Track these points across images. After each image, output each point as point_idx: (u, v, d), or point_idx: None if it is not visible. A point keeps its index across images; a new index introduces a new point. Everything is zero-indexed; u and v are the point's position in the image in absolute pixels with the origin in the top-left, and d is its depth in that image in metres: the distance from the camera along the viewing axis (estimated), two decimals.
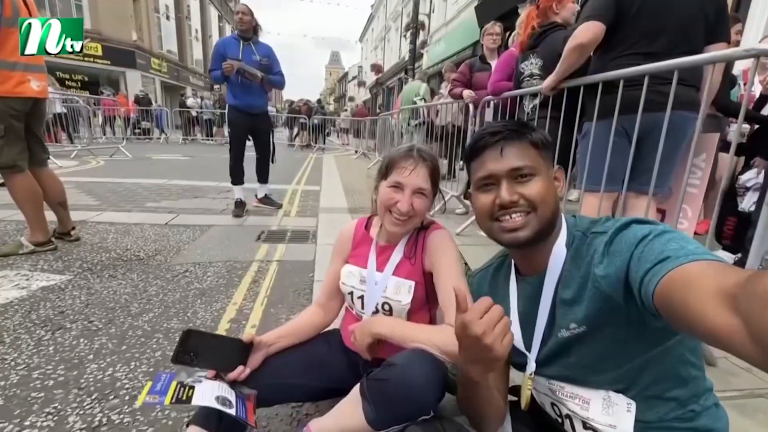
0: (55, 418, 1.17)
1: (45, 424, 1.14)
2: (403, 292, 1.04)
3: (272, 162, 4.00)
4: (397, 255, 1.07)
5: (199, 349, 0.92)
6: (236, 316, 1.86)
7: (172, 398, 0.82)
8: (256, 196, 4.08)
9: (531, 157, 0.71)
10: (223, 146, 12.08)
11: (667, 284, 0.48)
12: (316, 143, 12.62)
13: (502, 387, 0.84)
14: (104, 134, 11.65)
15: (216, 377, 0.95)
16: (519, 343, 0.77)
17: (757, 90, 2.80)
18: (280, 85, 3.75)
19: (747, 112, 2.47)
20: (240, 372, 0.97)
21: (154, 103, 14.57)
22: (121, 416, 1.19)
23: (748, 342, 0.35)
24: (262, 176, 3.99)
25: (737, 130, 1.34)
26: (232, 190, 3.85)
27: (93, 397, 1.26)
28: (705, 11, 1.63)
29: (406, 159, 1.00)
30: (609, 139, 1.75)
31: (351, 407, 0.92)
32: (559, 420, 0.77)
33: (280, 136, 15.63)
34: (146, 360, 1.47)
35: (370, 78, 29.19)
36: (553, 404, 0.77)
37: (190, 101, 13.58)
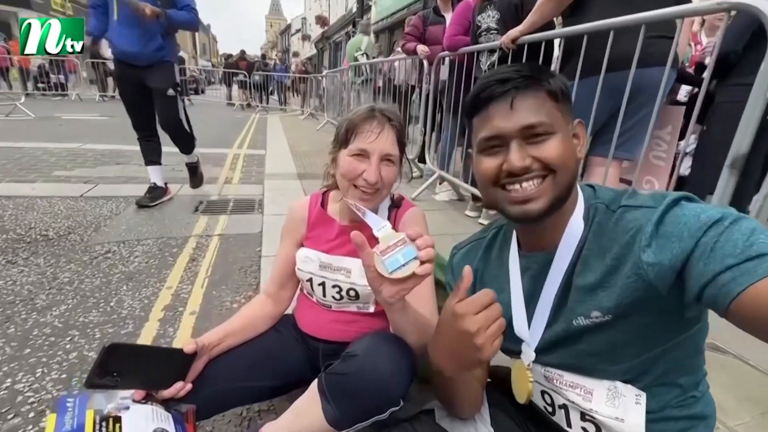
0: None
1: None
2: None
3: (188, 130, 2.88)
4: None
5: (125, 368, 0.71)
6: (172, 302, 1.63)
7: None
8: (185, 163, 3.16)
9: (548, 112, 0.58)
10: None
11: None
12: (261, 102, 11.68)
13: (481, 375, 0.77)
14: None
15: (146, 398, 0.75)
16: (523, 327, 0.68)
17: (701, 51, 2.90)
18: (187, 23, 2.63)
19: (687, 75, 2.56)
20: (179, 389, 0.79)
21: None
22: None
23: None
24: (180, 145, 2.96)
25: (702, 92, 1.30)
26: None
27: None
28: None
29: (369, 122, 0.84)
30: (592, 99, 1.64)
31: (308, 406, 0.81)
32: (549, 409, 0.71)
33: (217, 93, 14.31)
34: (57, 365, 1.23)
35: (316, 31, 27.21)
36: (544, 393, 0.71)
37: (108, 51, 11.75)
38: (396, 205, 0.98)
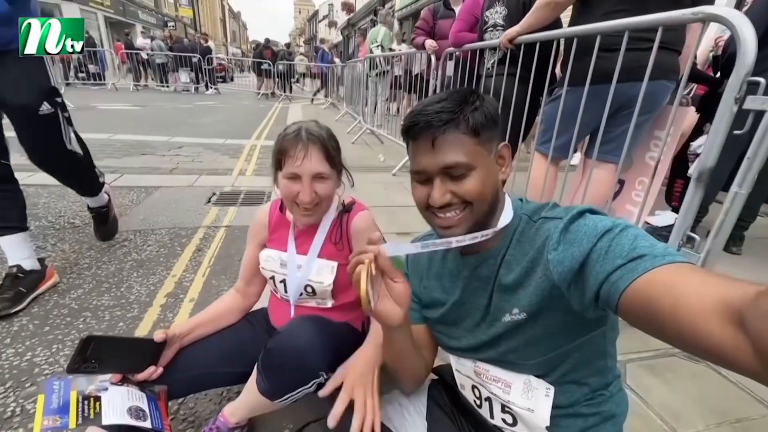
0: None
1: None
2: (325, 273, 1.03)
3: (84, 161, 1.82)
4: (319, 237, 1.03)
5: (102, 356, 0.84)
6: (174, 289, 1.79)
7: (77, 418, 0.74)
8: (88, 206, 2.14)
9: (467, 150, 0.64)
10: (180, 94, 11.20)
11: (645, 286, 0.46)
12: (284, 91, 11.88)
13: (426, 351, 0.85)
14: None
15: (123, 380, 0.89)
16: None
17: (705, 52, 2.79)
18: None
19: (698, 74, 2.45)
20: (151, 373, 0.91)
21: (100, 44, 13.07)
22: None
23: (755, 361, 0.35)
24: (74, 186, 1.96)
25: (682, 86, 1.29)
26: (182, 147, 3.59)
27: (7, 385, 1.20)
28: None
29: (294, 146, 0.92)
30: (579, 107, 1.64)
31: (251, 383, 0.94)
32: (477, 402, 0.79)
33: (246, 81, 14.61)
34: (70, 342, 1.40)
35: (342, 18, 27.06)
36: (474, 387, 0.79)
37: (139, 41, 12.28)
38: (347, 209, 1.06)
